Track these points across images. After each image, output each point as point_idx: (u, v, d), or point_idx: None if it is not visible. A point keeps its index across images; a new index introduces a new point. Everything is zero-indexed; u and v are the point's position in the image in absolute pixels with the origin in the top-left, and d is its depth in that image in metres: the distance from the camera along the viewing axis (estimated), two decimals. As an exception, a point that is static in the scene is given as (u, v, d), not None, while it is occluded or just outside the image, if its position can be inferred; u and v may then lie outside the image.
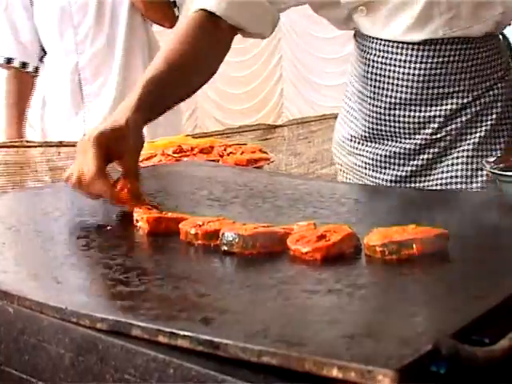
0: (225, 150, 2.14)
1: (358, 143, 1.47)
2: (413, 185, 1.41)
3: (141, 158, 2.08)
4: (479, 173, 1.35)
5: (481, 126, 1.36)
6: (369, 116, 1.42)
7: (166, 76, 1.22)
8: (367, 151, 1.45)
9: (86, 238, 0.96)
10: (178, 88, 1.25)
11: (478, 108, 1.36)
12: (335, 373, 0.49)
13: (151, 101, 1.18)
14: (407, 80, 1.35)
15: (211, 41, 1.32)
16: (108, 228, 1.03)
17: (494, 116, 1.37)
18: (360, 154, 1.47)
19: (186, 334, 0.58)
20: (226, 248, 0.88)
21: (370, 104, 1.41)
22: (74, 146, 2.15)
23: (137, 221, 1.04)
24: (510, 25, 1.43)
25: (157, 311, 0.66)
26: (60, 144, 1.98)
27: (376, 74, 1.38)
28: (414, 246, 0.80)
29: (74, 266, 0.84)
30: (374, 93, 1.40)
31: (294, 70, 6.90)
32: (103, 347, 0.65)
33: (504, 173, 1.01)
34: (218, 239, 0.91)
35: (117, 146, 1.09)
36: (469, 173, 1.36)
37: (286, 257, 0.86)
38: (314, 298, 0.68)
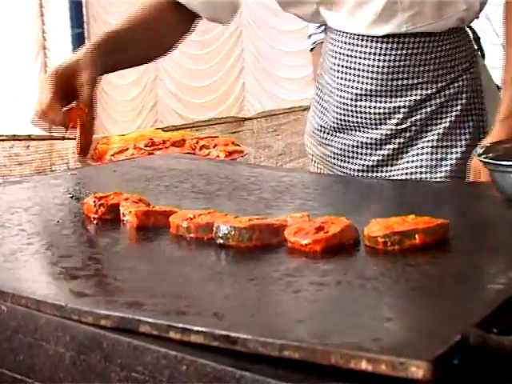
0: (197, 142, 2.14)
1: (328, 133, 1.48)
2: (379, 174, 1.42)
3: (112, 152, 2.09)
4: (443, 163, 1.38)
5: (445, 117, 1.38)
6: (337, 107, 1.44)
7: (124, 32, 1.29)
8: (336, 141, 1.47)
9: (73, 234, 0.94)
10: (132, 46, 1.31)
11: (443, 99, 1.38)
12: (364, 365, 0.48)
13: (106, 48, 1.24)
14: (372, 72, 1.37)
15: (171, 18, 1.36)
16: (94, 223, 1.01)
17: (459, 107, 1.39)
18: (329, 145, 1.48)
19: (200, 329, 0.57)
20: (221, 241, 0.87)
21: (337, 95, 1.43)
22: (43, 139, 2.11)
23: (123, 215, 1.01)
24: (474, 20, 1.44)
25: (164, 307, 0.64)
26: (29, 138, 1.93)
27: (342, 66, 1.40)
28: (417, 236, 0.80)
29: (69, 261, 0.82)
30: (341, 84, 1.41)
31: (256, 63, 6.89)
32: (108, 345, 0.63)
33: (495, 162, 1.02)
34: (212, 232, 0.89)
35: (72, 79, 1.17)
36: (433, 163, 1.39)
37: (283, 249, 0.85)
38: (325, 290, 0.68)
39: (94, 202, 1.03)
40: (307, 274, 0.74)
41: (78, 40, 8.12)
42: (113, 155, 2.03)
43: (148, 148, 2.05)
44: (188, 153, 1.97)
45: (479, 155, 1.07)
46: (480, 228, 0.93)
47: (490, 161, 1.04)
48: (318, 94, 1.52)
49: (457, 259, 0.76)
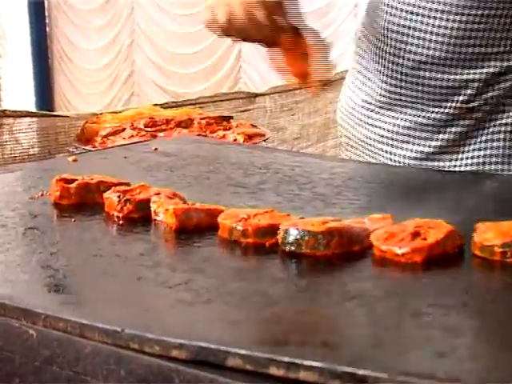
0: (208, 124, 2.12)
1: (373, 111, 1.44)
2: (438, 164, 1.38)
3: (104, 133, 2.06)
4: None
5: None
6: (388, 77, 1.39)
7: None
8: (384, 121, 1.42)
9: (100, 239, 0.91)
10: None
11: None
12: None
13: None
14: (440, 34, 1.32)
15: None
16: (119, 223, 0.98)
17: None
18: (374, 125, 1.44)
19: (314, 364, 0.54)
20: (291, 248, 0.85)
21: (390, 62, 1.38)
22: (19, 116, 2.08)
23: (156, 213, 0.99)
24: None
25: (253, 334, 0.61)
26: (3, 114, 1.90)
27: (400, 26, 1.35)
28: (545, 244, 0.78)
29: (106, 273, 0.79)
30: (397, 48, 1.37)
31: (256, 26, 6.86)
32: (182, 382, 0.60)
33: None
34: (276, 237, 0.87)
35: None
36: (508, 151, 1.35)
37: (369, 259, 0.83)
38: (452, 313, 0.65)
39: (119, 196, 1.00)
40: (417, 291, 0.72)
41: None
42: (106, 137, 2.00)
43: (149, 129, 2.02)
44: (199, 135, 1.95)
45: None
46: None
47: None
48: (358, 62, 1.48)
49: None
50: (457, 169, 1.37)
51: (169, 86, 7.39)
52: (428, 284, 0.74)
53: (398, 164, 1.41)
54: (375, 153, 1.45)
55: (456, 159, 1.38)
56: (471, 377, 0.53)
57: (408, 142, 1.40)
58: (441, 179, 1.26)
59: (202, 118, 2.11)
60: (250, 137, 2.00)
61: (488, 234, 0.81)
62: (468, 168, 1.37)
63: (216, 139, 1.85)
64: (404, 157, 1.41)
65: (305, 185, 1.19)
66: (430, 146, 1.38)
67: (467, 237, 0.83)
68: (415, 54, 1.35)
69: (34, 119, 2.14)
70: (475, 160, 1.36)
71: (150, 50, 7.57)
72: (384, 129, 1.43)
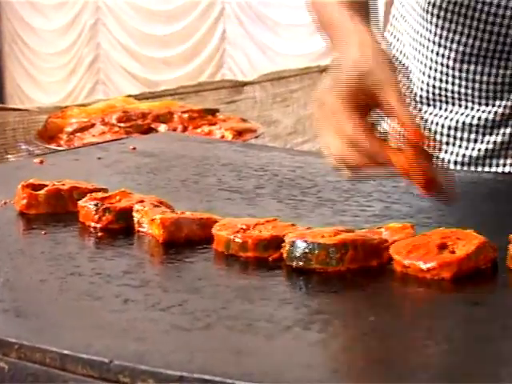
0: (192, 118, 2.13)
1: None
2: (485, 169, 1.39)
3: (71, 129, 2.06)
4: None
5: None
6: (430, 69, 1.40)
7: None
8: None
9: (77, 254, 0.92)
10: None
11: None
12: None
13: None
14: (493, 23, 1.31)
15: None
16: (97, 235, 0.98)
17: None
18: None
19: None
20: (299, 263, 0.86)
21: (433, 52, 1.39)
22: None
23: (139, 223, 0.99)
24: None
25: (263, 366, 0.62)
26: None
27: (447, 11, 1.36)
28: None
29: (87, 295, 0.79)
30: (442, 37, 1.37)
31: (241, 1, 6.85)
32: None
33: None
34: (280, 250, 0.88)
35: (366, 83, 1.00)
36: None
37: (390, 275, 0.84)
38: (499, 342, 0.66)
39: (97, 205, 1.01)
40: (451, 314, 0.72)
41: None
42: (72, 133, 2.00)
43: (123, 124, 2.02)
44: (183, 131, 1.96)
45: None
46: None
47: None
48: (392, 46, 1.49)
49: None
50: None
51: (140, 73, 7.39)
52: (466, 306, 0.75)
53: None
54: None
55: (505, 164, 1.38)
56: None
57: (448, 144, 1.41)
58: (477, 182, 1.27)
59: (183, 112, 2.12)
60: (239, 133, 2.01)
61: (526, 246, 0.82)
62: None
63: (202, 136, 1.85)
64: (444, 161, 1.41)
65: (309, 189, 1.20)
66: (474, 150, 1.38)
67: (502, 250, 0.84)
68: (464, 45, 1.34)
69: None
70: None
71: (117, 30, 7.55)
72: None
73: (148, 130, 2.04)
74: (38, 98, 7.78)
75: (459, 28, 1.35)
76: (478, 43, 1.34)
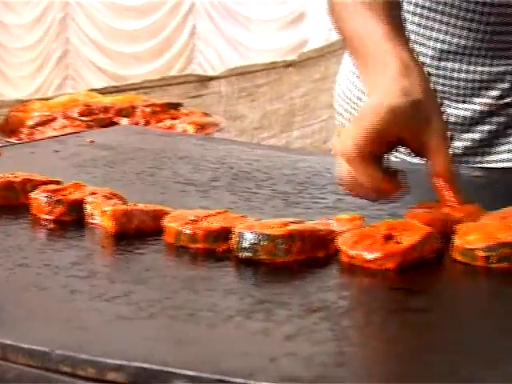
0: (154, 112, 2.13)
1: None
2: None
3: (32, 123, 2.06)
4: None
5: None
6: None
7: None
8: None
9: (27, 246, 0.92)
10: None
11: None
12: None
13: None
14: (469, 20, 1.31)
15: None
16: (49, 227, 0.98)
17: None
18: None
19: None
20: (246, 255, 0.86)
21: None
22: None
23: (91, 215, 1.00)
24: None
25: (202, 354, 0.63)
26: None
27: (424, 8, 1.35)
28: (533, 248, 0.80)
29: (34, 286, 0.79)
30: (419, 35, 1.37)
31: (211, -3, 6.86)
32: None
33: None
34: (229, 242, 0.89)
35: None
36: None
37: (337, 266, 0.85)
38: (432, 329, 0.67)
39: (49, 197, 1.01)
40: (388, 302, 0.73)
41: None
42: (33, 127, 2.00)
43: (85, 118, 2.02)
44: (146, 125, 1.96)
45: None
46: None
47: None
48: None
49: None
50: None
51: (110, 68, 7.37)
52: (406, 295, 0.76)
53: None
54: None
55: (483, 161, 1.38)
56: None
57: None
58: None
59: (146, 106, 2.12)
60: (201, 127, 2.01)
61: (470, 237, 0.83)
62: None
63: (163, 130, 1.86)
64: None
65: (263, 181, 1.20)
66: (455, 148, 1.37)
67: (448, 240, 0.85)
68: (441, 41, 1.35)
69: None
70: (505, 164, 1.37)
71: (86, 25, 7.54)
72: None
73: (110, 124, 2.04)
74: (8, 93, 7.73)
75: (436, 25, 1.35)
76: (455, 40, 1.34)
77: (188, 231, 0.91)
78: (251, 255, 0.86)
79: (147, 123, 2.09)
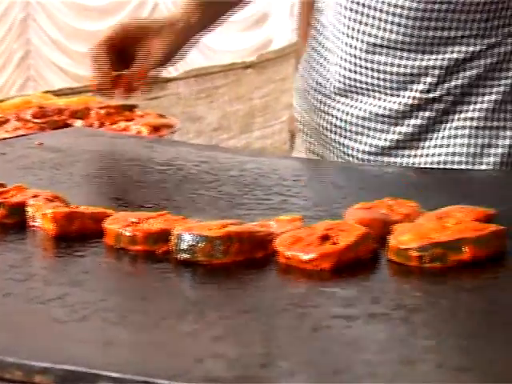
0: (108, 114, 2.12)
1: (327, 97, 1.46)
2: (395, 160, 1.41)
3: (-16, 125, 2.04)
4: (489, 151, 1.36)
5: (496, 86, 1.37)
6: (345, 61, 1.42)
7: None
8: (338, 109, 1.44)
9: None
10: None
11: (495, 60, 1.37)
12: None
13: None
14: (397, 15, 1.34)
15: None
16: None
17: None
18: (328, 113, 1.46)
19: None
20: (185, 256, 0.86)
21: (346, 44, 1.41)
22: None
23: (32, 218, 0.99)
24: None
25: (128, 356, 0.63)
26: None
27: (356, 3, 1.38)
28: (466, 248, 0.81)
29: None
30: (351, 28, 1.39)
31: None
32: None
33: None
34: (169, 244, 0.89)
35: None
36: (475, 150, 1.37)
37: (274, 267, 0.85)
38: (355, 326, 0.68)
39: None
40: (322, 302, 0.74)
41: None
42: (-14, 129, 1.98)
43: (38, 120, 2.00)
44: (100, 127, 1.95)
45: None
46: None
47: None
48: (315, 38, 1.50)
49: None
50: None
51: (72, 69, 7.33)
52: (335, 294, 0.76)
53: (350, 159, 1.43)
54: (328, 143, 1.47)
55: (414, 156, 1.40)
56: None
57: (362, 134, 1.43)
58: (373, 172, 1.29)
59: (100, 108, 2.10)
60: (156, 128, 2.00)
61: (405, 237, 0.84)
62: (427, 166, 1.38)
63: (115, 132, 1.85)
64: (358, 150, 1.43)
65: (210, 183, 1.21)
66: (385, 140, 1.41)
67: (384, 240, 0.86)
68: (371, 35, 1.38)
69: None
70: (435, 158, 1.38)
71: (48, 25, 7.49)
72: (337, 118, 1.45)
73: (64, 126, 2.03)
74: (-32, 95, 7.66)
75: (369, 20, 1.38)
76: (386, 35, 1.37)
77: (128, 233, 0.91)
78: (189, 257, 0.86)
79: (101, 125, 2.07)
